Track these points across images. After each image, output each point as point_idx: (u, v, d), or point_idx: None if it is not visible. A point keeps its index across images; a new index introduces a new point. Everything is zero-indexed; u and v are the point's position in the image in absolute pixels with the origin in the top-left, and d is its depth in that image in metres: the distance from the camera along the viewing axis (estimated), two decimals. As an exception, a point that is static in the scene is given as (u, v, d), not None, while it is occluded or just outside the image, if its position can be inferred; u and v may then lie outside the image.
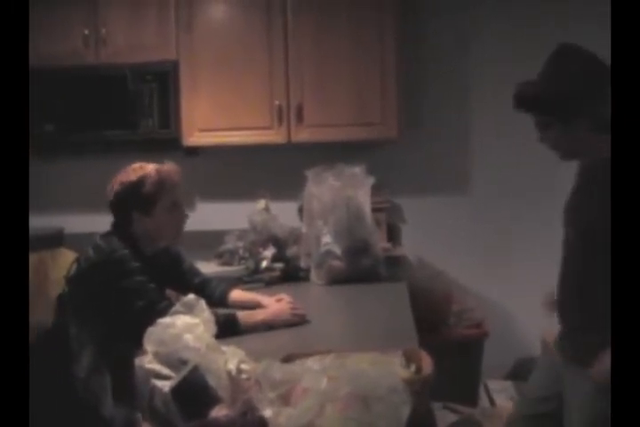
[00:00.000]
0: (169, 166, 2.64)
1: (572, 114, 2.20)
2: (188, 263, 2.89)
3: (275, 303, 2.73)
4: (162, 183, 2.57)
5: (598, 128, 2.20)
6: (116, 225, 2.63)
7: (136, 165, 2.61)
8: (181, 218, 2.68)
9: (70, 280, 2.56)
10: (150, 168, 2.59)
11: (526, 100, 2.33)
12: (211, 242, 3.87)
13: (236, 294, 2.90)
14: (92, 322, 2.47)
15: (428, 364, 1.80)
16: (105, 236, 2.57)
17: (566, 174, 2.51)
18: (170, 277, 2.70)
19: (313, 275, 3.52)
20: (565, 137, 2.26)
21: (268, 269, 3.52)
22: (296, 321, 2.65)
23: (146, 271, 2.50)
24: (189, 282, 2.84)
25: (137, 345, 1.81)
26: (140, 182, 2.55)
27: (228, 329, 2.38)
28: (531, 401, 2.53)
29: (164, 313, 1.94)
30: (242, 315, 2.57)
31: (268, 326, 2.58)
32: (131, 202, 2.56)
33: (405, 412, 1.50)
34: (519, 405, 2.60)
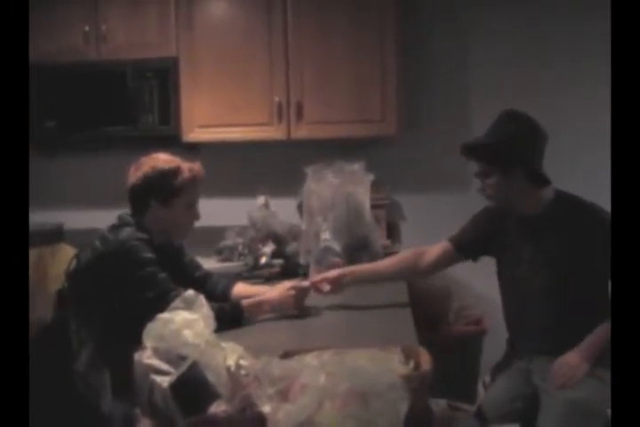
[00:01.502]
0: (199, 167, 2.69)
1: (509, 164, 2.53)
2: (189, 257, 2.90)
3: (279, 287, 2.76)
4: (192, 181, 2.62)
5: (533, 181, 2.56)
6: (125, 214, 2.64)
7: (164, 156, 2.65)
8: (193, 218, 2.71)
9: (70, 275, 2.57)
10: (183, 163, 2.63)
11: (470, 148, 2.62)
12: (210, 238, 3.88)
13: (240, 288, 2.90)
14: (92, 317, 2.48)
15: (426, 360, 1.80)
16: (112, 228, 2.58)
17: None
18: (171, 270, 2.70)
19: (312, 271, 3.52)
20: (503, 186, 2.57)
21: (267, 265, 3.52)
22: (294, 302, 2.70)
23: (156, 261, 2.51)
24: (190, 275, 2.84)
25: (136, 340, 1.81)
26: (174, 173, 2.58)
27: (233, 317, 2.41)
28: (501, 401, 2.68)
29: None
30: (246, 302, 2.58)
31: (272, 307, 2.63)
32: (156, 189, 2.58)
33: (404, 408, 1.51)
34: (487, 404, 2.73)
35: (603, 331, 2.43)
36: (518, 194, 2.59)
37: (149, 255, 2.51)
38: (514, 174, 2.54)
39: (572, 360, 2.47)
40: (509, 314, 2.78)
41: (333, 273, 2.90)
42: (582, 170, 4.14)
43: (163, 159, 2.62)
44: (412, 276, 3.15)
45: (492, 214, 2.79)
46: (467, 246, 2.86)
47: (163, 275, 2.51)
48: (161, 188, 2.58)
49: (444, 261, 2.92)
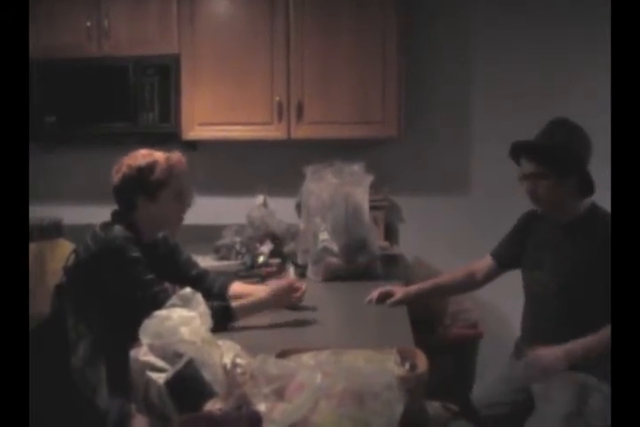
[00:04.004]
0: (177, 156, 2.65)
1: (566, 168, 2.54)
2: (185, 255, 2.89)
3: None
4: (170, 171, 2.59)
5: (582, 189, 2.58)
6: (117, 212, 2.63)
7: (144, 151, 2.62)
8: (183, 207, 2.69)
9: (68, 270, 2.56)
10: (159, 155, 2.61)
11: (529, 148, 2.60)
12: (208, 236, 3.88)
13: (237, 287, 2.90)
14: (89, 313, 2.47)
15: (422, 362, 1.80)
16: (104, 225, 2.57)
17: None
18: (167, 269, 2.70)
19: (309, 271, 3.52)
20: (556, 189, 2.57)
21: (264, 264, 3.52)
22: (289, 302, 2.72)
23: (144, 261, 2.51)
24: (187, 274, 2.83)
25: (133, 337, 1.81)
26: (150, 168, 2.56)
27: (224, 319, 2.40)
28: (483, 404, 2.74)
29: (162, 304, 1.94)
30: (236, 304, 2.58)
31: (263, 309, 2.63)
32: (138, 186, 2.56)
33: (399, 409, 1.50)
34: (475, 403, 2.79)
35: (596, 336, 2.43)
36: (566, 199, 2.61)
37: (136, 255, 2.49)
38: (569, 179, 2.56)
39: (551, 355, 2.47)
40: (524, 316, 2.82)
41: (398, 296, 2.96)
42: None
43: (140, 156, 2.59)
44: (468, 291, 3.28)
45: (529, 221, 2.83)
46: (507, 261, 2.91)
47: (149, 276, 2.49)
48: (142, 184, 2.56)
49: (493, 275, 3.00)
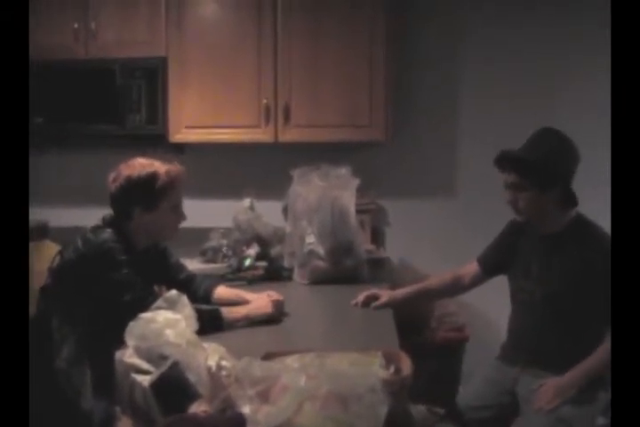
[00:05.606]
0: (177, 168, 2.64)
1: (548, 181, 2.53)
2: (174, 259, 2.90)
3: (259, 298, 2.75)
4: (172, 184, 2.58)
5: (565, 201, 2.59)
6: (111, 218, 2.61)
7: (143, 161, 2.60)
8: (179, 219, 2.69)
9: (53, 271, 2.56)
10: (160, 167, 2.58)
11: (512, 159, 2.60)
12: (195, 239, 3.87)
13: (221, 291, 2.90)
14: (74, 314, 2.46)
15: (407, 365, 1.81)
16: (95, 229, 2.56)
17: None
18: (156, 272, 2.70)
19: (296, 274, 3.53)
20: (537, 202, 2.58)
21: (251, 267, 3.52)
22: (275, 312, 2.70)
23: (133, 265, 2.50)
24: (175, 277, 2.84)
25: (119, 339, 1.81)
26: (151, 181, 2.54)
27: (212, 325, 2.40)
28: (468, 408, 2.74)
29: (148, 308, 1.94)
30: (225, 311, 2.58)
31: (250, 321, 2.61)
32: (136, 198, 2.55)
33: (383, 412, 1.51)
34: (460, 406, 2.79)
35: (596, 358, 2.46)
36: (548, 211, 2.62)
37: (125, 258, 2.50)
38: (550, 192, 2.56)
39: (559, 386, 2.50)
40: (510, 321, 2.83)
41: (383, 299, 2.97)
42: (581, 171, 4.13)
43: (139, 166, 2.57)
44: (454, 296, 3.36)
45: (516, 229, 2.82)
46: (493, 268, 2.92)
47: (137, 279, 2.50)
48: (141, 197, 2.55)
49: (479, 281, 3.01)
